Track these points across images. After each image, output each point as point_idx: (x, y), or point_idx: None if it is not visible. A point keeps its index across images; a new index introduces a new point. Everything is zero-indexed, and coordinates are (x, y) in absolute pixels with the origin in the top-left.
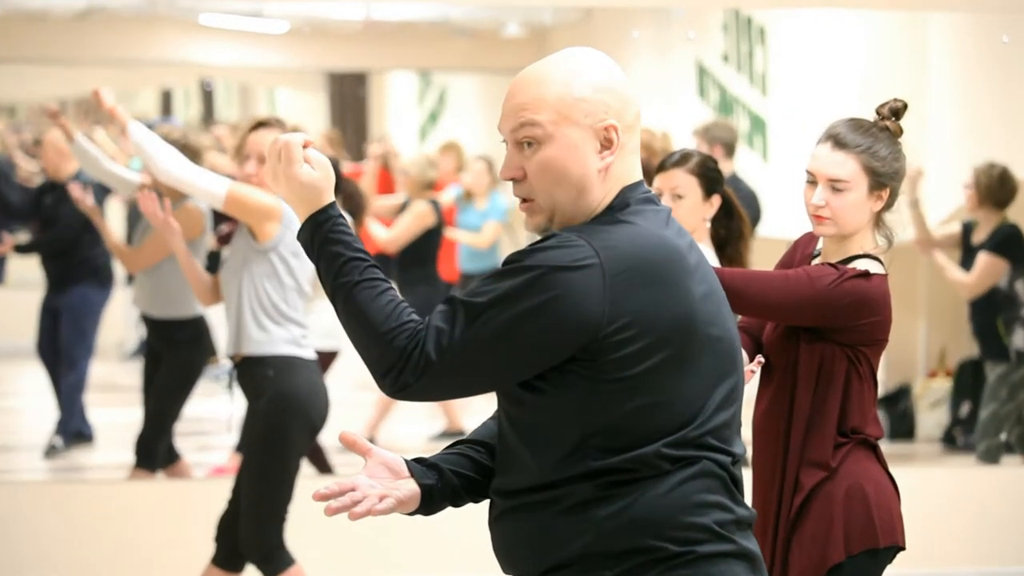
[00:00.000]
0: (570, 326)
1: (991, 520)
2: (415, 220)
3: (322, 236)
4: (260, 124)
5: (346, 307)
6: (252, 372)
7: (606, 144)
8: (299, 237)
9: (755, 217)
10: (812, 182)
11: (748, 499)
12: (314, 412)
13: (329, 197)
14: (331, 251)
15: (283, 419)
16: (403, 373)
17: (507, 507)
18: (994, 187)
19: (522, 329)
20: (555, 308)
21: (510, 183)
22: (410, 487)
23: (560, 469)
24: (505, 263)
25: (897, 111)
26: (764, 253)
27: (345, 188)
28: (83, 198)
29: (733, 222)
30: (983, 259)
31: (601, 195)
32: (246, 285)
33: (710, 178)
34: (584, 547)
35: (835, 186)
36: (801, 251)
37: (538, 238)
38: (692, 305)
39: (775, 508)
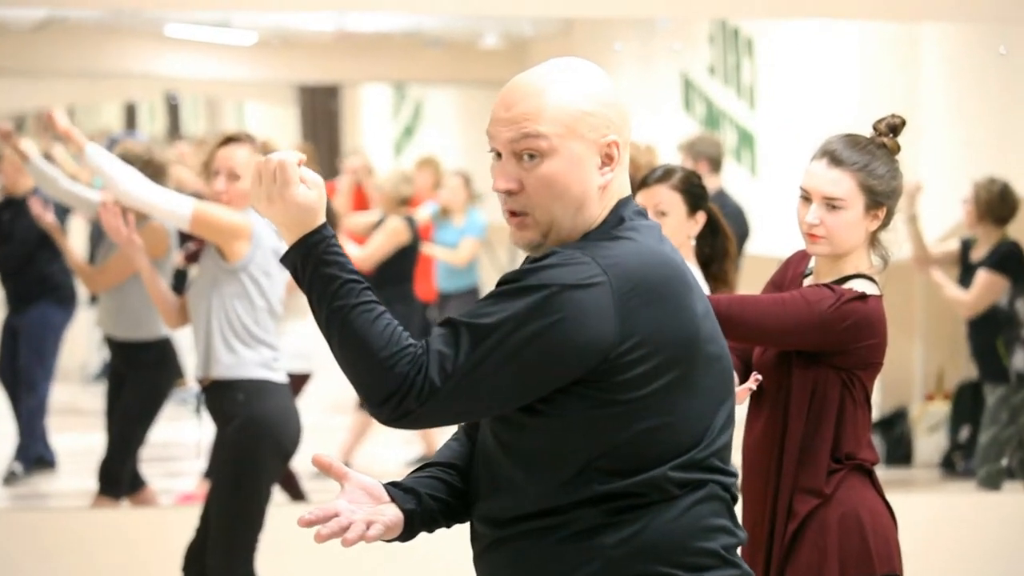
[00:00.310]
0: (580, 347)
1: (991, 548)
2: (389, 237)
3: (316, 257)
4: (229, 139)
5: (342, 332)
6: (222, 396)
7: (607, 160)
8: (288, 258)
9: (742, 234)
10: (806, 199)
11: None
12: (286, 438)
13: (323, 217)
14: (326, 273)
15: (254, 445)
16: (405, 400)
17: (500, 536)
18: (994, 203)
19: (530, 351)
20: (564, 329)
21: (491, 198)
22: (393, 512)
23: (563, 494)
24: (505, 282)
25: (895, 127)
26: (753, 272)
27: None
28: (43, 214)
29: (718, 240)
30: (982, 276)
31: (598, 212)
32: (215, 306)
33: (694, 194)
34: (591, 575)
35: (831, 204)
36: (792, 269)
37: (528, 255)
38: (696, 323)
39: (766, 535)
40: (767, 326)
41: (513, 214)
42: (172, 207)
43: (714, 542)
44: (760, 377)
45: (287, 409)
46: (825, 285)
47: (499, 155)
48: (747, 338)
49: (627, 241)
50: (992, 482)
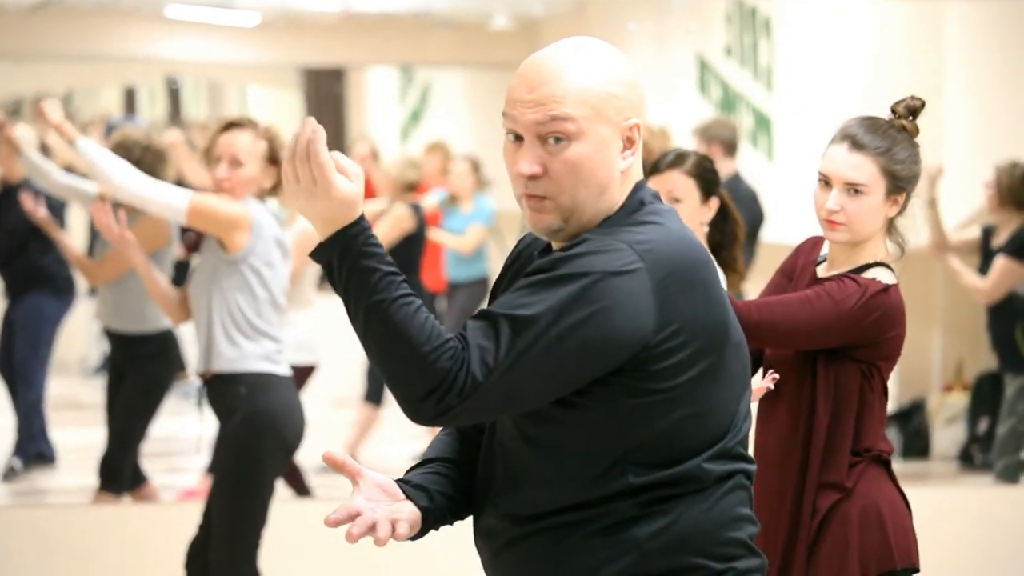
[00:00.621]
0: (621, 336)
1: (1010, 542)
2: (393, 225)
3: (356, 250)
4: (231, 124)
5: (383, 326)
6: (223, 390)
7: (628, 144)
8: (324, 251)
9: (756, 219)
10: (826, 184)
11: None
12: (289, 432)
13: (361, 208)
14: (366, 266)
15: (256, 439)
16: (447, 396)
17: (525, 532)
18: (1016, 187)
19: (572, 342)
20: (606, 318)
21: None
22: (411, 509)
23: (596, 487)
24: (540, 271)
25: (914, 110)
26: (769, 260)
27: None
28: (35, 209)
29: (728, 225)
30: (999, 263)
31: (619, 197)
32: (216, 299)
33: (708, 179)
34: (623, 569)
35: (852, 189)
36: (804, 257)
37: (537, 241)
38: (725, 309)
39: (786, 532)
40: (797, 329)
41: (532, 198)
42: (167, 200)
43: (742, 531)
44: (777, 375)
45: (290, 402)
46: (848, 277)
47: (517, 137)
48: (776, 343)
49: (655, 226)
50: (1010, 475)
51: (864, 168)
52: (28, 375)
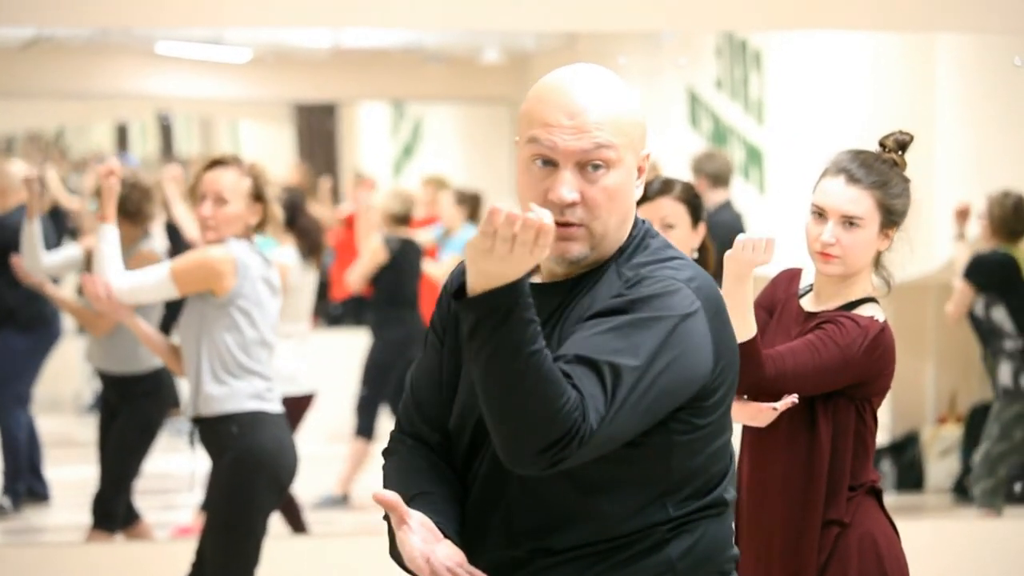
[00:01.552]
0: (697, 376)
1: (1009, 574)
2: (366, 257)
3: (523, 303)
4: (215, 163)
5: (534, 378)
6: (215, 429)
7: (639, 173)
8: (486, 302)
9: None
10: (820, 216)
11: None
12: (282, 469)
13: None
14: (527, 317)
15: (249, 477)
16: (567, 447)
17: (556, 561)
18: (1008, 217)
19: (663, 386)
20: (687, 361)
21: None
22: (456, 550)
23: (637, 520)
24: (618, 311)
25: (904, 144)
26: (757, 292)
27: (301, 224)
28: (28, 274)
29: (703, 254)
30: (958, 285)
31: (630, 225)
32: (205, 342)
33: (695, 206)
34: None
35: (848, 222)
36: (783, 290)
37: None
38: (735, 337)
39: (787, 570)
40: (806, 377)
41: (565, 225)
42: (153, 281)
43: (733, 548)
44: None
45: (282, 440)
46: (846, 317)
47: (547, 163)
48: (786, 392)
49: (680, 260)
50: (987, 500)
51: (862, 202)
52: (4, 413)
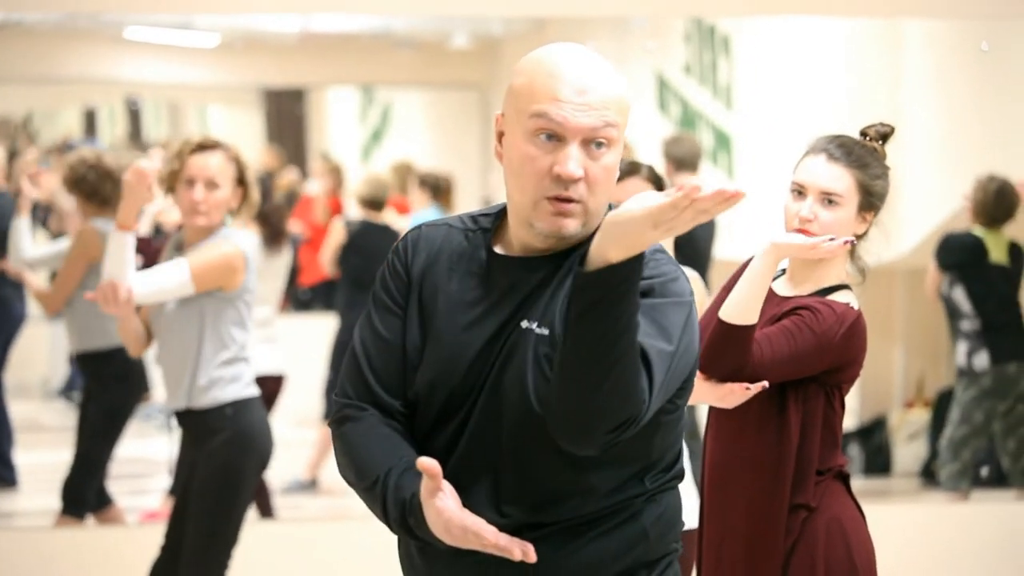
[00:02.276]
0: (695, 359)
1: (971, 558)
2: (328, 239)
3: (637, 277)
4: (202, 146)
5: (631, 354)
6: (206, 415)
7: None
8: (618, 272)
9: (708, 234)
10: (799, 194)
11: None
12: (267, 450)
13: None
14: (635, 294)
15: (242, 458)
16: (630, 427)
17: (541, 535)
18: (989, 202)
19: (680, 369)
20: (695, 344)
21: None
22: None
23: (618, 493)
24: (645, 293)
25: (885, 135)
26: (725, 276)
27: (264, 210)
28: (7, 266)
29: None
30: (930, 267)
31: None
32: (209, 336)
33: (659, 187)
34: (639, 556)
35: (828, 199)
36: None
37: (541, 245)
38: None
39: (753, 553)
40: (783, 363)
41: (564, 201)
42: (174, 283)
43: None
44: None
45: (266, 421)
46: (822, 303)
47: (550, 137)
48: (764, 379)
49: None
50: (953, 484)
51: (842, 179)
52: None
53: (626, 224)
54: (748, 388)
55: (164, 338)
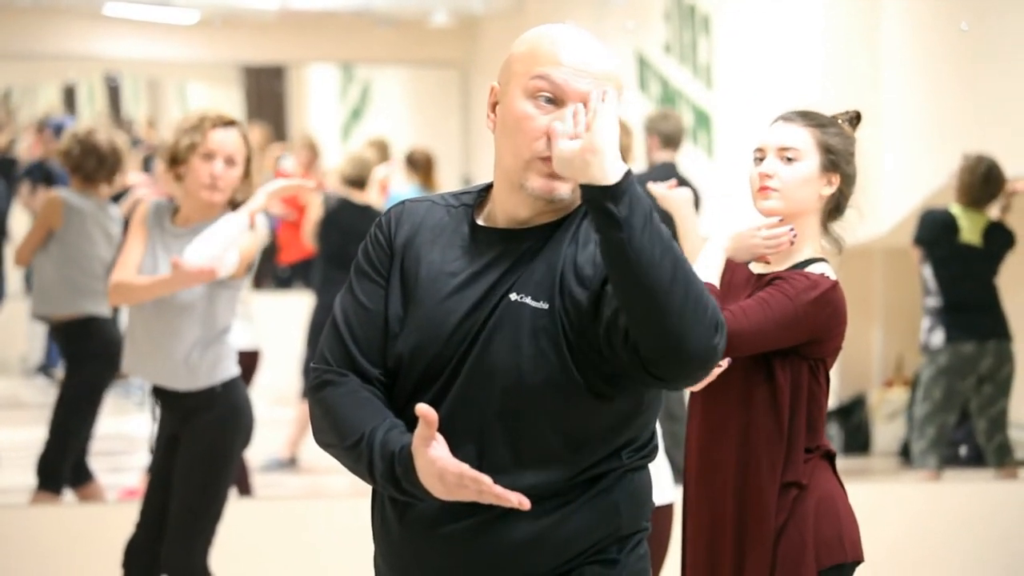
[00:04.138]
0: None
1: (949, 537)
2: (308, 214)
3: (648, 199)
4: (226, 122)
5: (684, 263)
6: (200, 393)
7: None
8: (619, 191)
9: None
10: (760, 160)
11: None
12: (251, 428)
13: None
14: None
15: (230, 435)
16: (721, 335)
17: (509, 508)
18: (976, 183)
19: None
20: None
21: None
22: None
23: (598, 467)
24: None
25: (852, 120)
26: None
27: None
28: None
29: None
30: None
31: None
32: (209, 317)
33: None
34: (611, 531)
35: (785, 156)
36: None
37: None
38: None
39: (742, 530)
40: (760, 332)
41: None
42: (229, 266)
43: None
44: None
45: (249, 399)
46: (797, 273)
47: (549, 101)
48: (745, 350)
49: None
50: (922, 461)
51: (798, 135)
52: None
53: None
54: (720, 365)
55: (160, 318)
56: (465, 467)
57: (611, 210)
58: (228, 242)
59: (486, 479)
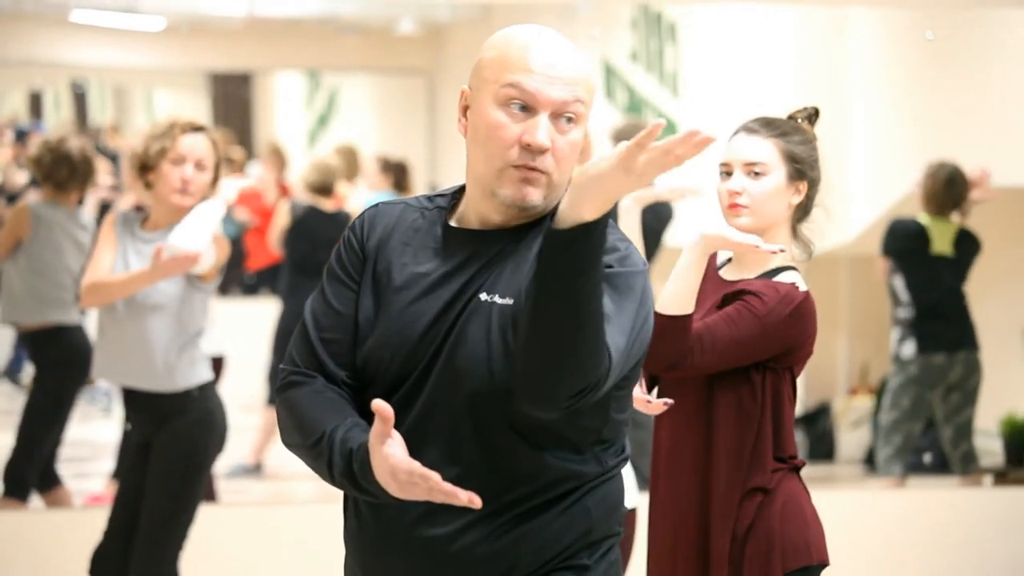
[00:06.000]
0: (652, 328)
1: (915, 544)
2: (274, 221)
3: (605, 236)
4: (195, 127)
5: (596, 319)
6: (176, 396)
7: None
8: (595, 228)
9: (664, 217)
10: (727, 176)
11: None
12: (225, 432)
13: None
14: (602, 255)
15: (206, 439)
16: (593, 391)
17: (492, 509)
18: (939, 190)
19: (644, 335)
20: (652, 314)
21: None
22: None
23: (571, 474)
24: (608, 265)
25: (810, 116)
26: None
27: None
28: None
29: None
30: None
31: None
32: (183, 320)
33: None
34: (580, 535)
35: (752, 171)
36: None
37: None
38: None
39: (705, 538)
40: (727, 354)
41: (531, 170)
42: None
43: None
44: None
45: (222, 403)
46: (766, 284)
47: (523, 108)
48: (714, 368)
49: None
50: (886, 469)
51: (762, 149)
52: None
53: (598, 175)
54: (649, 402)
55: (132, 320)
56: (416, 464)
57: (582, 247)
58: (209, 227)
59: (434, 476)
